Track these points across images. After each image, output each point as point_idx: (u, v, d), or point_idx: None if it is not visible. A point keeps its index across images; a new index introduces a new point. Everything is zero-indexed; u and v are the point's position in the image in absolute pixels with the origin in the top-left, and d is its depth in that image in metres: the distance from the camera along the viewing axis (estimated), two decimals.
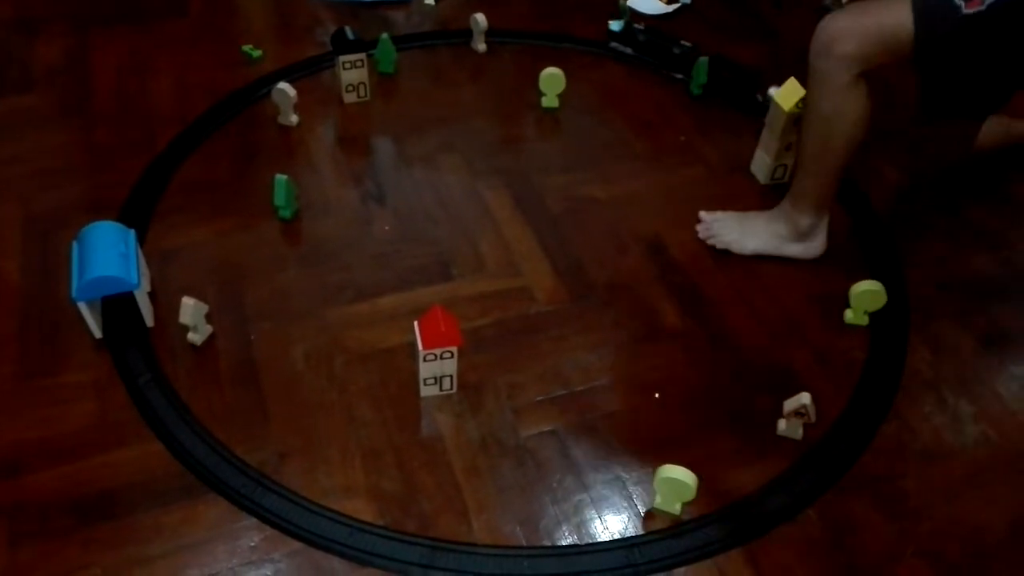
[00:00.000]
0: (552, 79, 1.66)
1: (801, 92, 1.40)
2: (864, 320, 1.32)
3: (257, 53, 1.75)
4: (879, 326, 1.32)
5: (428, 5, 1.93)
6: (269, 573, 1.01)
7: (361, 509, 1.07)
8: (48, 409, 1.15)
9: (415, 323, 1.16)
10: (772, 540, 1.07)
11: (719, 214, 1.45)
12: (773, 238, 1.40)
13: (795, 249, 1.40)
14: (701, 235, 1.44)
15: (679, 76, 1.75)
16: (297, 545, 1.03)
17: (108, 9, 1.88)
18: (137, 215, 1.41)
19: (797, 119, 1.40)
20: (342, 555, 1.03)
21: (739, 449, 1.16)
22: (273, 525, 1.05)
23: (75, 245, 1.22)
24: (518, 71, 1.77)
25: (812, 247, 1.40)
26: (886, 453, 1.17)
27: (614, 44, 1.79)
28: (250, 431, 1.14)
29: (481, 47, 1.81)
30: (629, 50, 1.79)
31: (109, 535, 1.03)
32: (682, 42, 1.80)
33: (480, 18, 1.78)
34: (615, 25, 1.85)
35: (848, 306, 1.31)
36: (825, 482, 1.13)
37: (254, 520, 1.05)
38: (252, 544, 1.03)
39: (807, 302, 1.35)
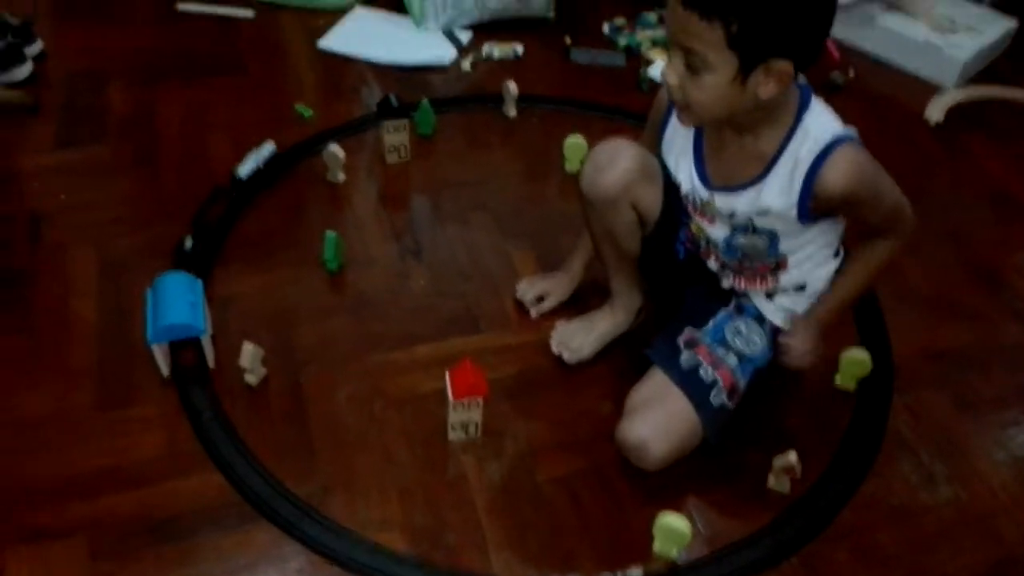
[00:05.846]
0: (574, 147, 1.80)
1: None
2: (852, 385, 1.45)
3: (308, 112, 1.91)
4: (866, 390, 1.45)
5: (465, 71, 2.09)
6: None
7: (396, 540, 1.21)
8: (121, 439, 1.31)
9: (446, 373, 1.30)
10: None
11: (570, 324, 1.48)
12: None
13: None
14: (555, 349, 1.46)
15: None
16: (337, 571, 1.18)
17: (173, 64, 2.05)
18: (199, 264, 1.57)
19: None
20: None
21: (731, 499, 1.30)
22: (317, 552, 1.19)
23: (149, 292, 1.38)
24: (545, 136, 1.92)
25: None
26: (865, 508, 1.29)
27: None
28: (298, 466, 1.29)
29: (512, 112, 1.96)
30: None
31: (176, 555, 1.18)
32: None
33: (511, 85, 1.93)
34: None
35: (838, 371, 1.45)
36: (808, 533, 1.26)
37: (300, 546, 1.20)
38: (298, 568, 1.18)
39: None
